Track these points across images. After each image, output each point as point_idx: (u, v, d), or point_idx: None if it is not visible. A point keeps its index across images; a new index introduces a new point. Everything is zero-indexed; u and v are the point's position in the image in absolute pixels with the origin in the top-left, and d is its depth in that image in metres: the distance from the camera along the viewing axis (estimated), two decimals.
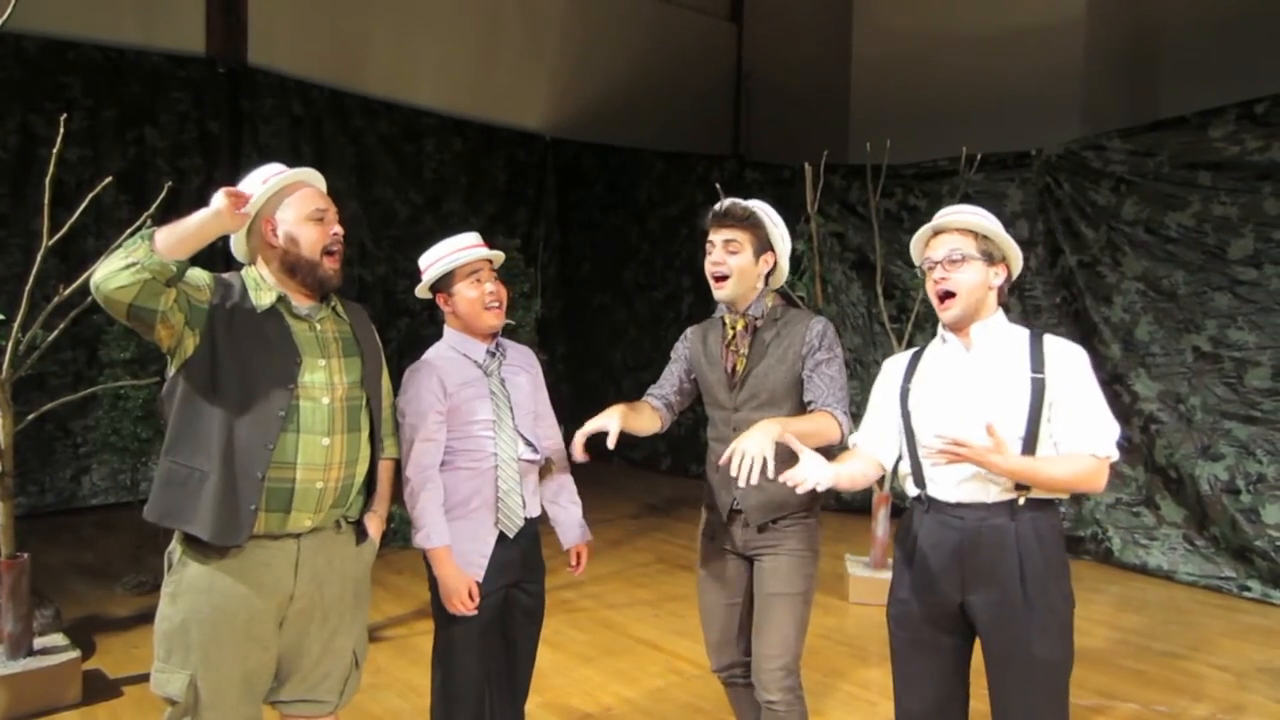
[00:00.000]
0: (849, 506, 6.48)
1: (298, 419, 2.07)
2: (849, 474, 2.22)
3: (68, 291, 3.41)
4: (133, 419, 4.65)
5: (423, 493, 2.40)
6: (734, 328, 2.54)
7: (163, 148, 6.88)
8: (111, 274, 1.89)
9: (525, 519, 2.54)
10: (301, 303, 2.17)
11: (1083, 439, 2.07)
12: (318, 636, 2.17)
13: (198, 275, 2.07)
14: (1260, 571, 5.04)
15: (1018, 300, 6.18)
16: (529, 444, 2.55)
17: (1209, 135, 5.30)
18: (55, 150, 3.32)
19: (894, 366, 2.37)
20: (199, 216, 1.93)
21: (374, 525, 2.30)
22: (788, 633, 2.45)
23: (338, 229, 2.21)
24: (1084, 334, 5.79)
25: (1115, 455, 2.10)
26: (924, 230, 2.26)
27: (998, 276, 2.17)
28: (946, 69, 8.24)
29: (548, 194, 9.44)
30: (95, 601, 4.54)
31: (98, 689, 3.59)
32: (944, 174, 6.34)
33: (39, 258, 3.37)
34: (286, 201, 2.18)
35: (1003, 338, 2.19)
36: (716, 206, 2.52)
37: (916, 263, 2.28)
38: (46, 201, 3.33)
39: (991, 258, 2.16)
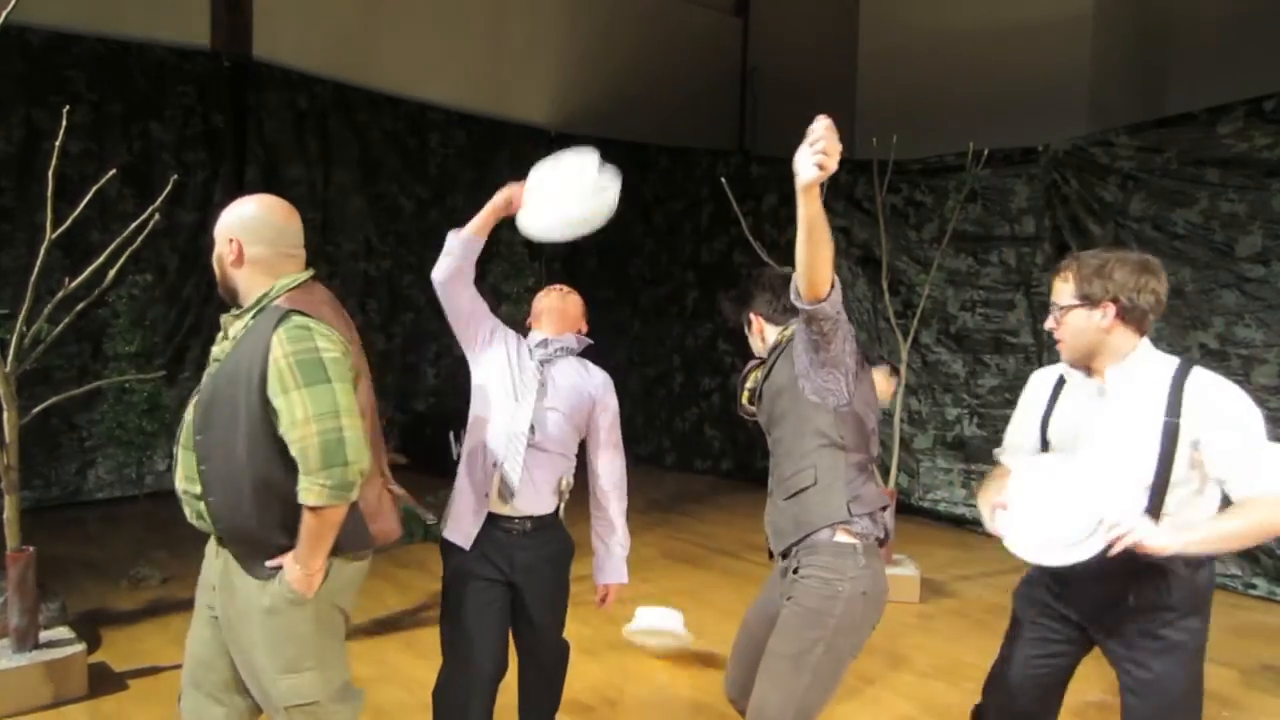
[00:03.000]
0: None
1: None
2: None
3: (73, 285, 3.41)
4: (138, 413, 4.64)
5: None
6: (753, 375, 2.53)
7: (167, 141, 6.86)
8: None
9: (524, 514, 2.57)
10: (226, 319, 2.23)
11: (1252, 481, 1.97)
12: (236, 650, 2.17)
13: None
14: (1266, 569, 5.03)
15: (1024, 297, 6.18)
16: (533, 428, 2.56)
17: (1217, 132, 5.28)
18: (58, 143, 3.31)
19: (1040, 387, 2.34)
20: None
21: (286, 565, 2.08)
22: (765, 699, 2.17)
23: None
24: None
25: None
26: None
27: (1105, 317, 2.08)
28: (953, 64, 8.22)
29: None
30: (100, 595, 4.54)
31: (103, 682, 3.58)
32: (950, 170, 6.32)
33: (42, 251, 3.36)
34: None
35: (1143, 376, 2.09)
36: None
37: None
38: (50, 194, 3.32)
39: (1092, 300, 2.08)
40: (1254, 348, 5.14)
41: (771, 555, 2.40)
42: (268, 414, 2.03)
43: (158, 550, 4.93)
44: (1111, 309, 2.07)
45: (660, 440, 8.31)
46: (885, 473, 5.12)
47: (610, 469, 2.73)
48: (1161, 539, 1.91)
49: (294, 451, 2.01)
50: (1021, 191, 6.16)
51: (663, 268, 8.60)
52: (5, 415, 3.33)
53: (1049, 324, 2.19)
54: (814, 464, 2.27)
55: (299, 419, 1.99)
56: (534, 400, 2.57)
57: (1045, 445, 2.27)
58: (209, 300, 6.81)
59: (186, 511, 2.18)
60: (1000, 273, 6.29)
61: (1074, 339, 2.13)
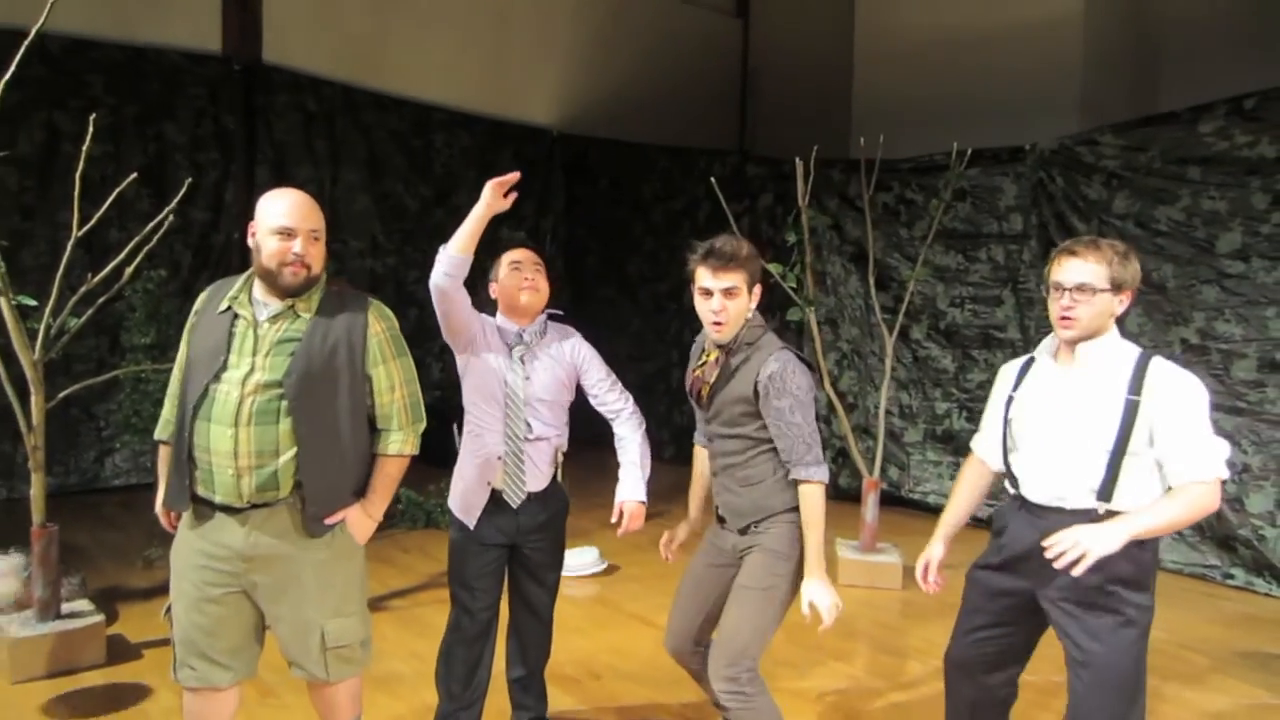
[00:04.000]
0: (844, 494, 6.63)
1: (208, 408, 2.29)
2: (965, 508, 2.57)
3: (95, 280, 3.62)
4: (153, 402, 4.84)
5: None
6: (709, 355, 2.63)
7: (181, 143, 7.09)
8: None
9: (526, 492, 2.80)
10: (270, 300, 2.36)
11: (1186, 468, 2.17)
12: (282, 607, 2.38)
13: (182, 354, 2.47)
14: (1244, 560, 5.16)
15: (1011, 293, 6.32)
16: (528, 425, 2.78)
17: (1199, 130, 5.40)
18: (85, 148, 3.52)
19: (1007, 373, 2.51)
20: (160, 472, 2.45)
21: (353, 517, 2.41)
22: (739, 625, 2.49)
23: (298, 247, 2.31)
24: None
25: (1224, 474, 2.19)
26: (1060, 250, 2.31)
27: (1122, 304, 2.26)
28: (949, 64, 8.35)
29: (555, 188, 9.60)
30: (117, 574, 4.76)
31: (120, 652, 3.81)
32: (940, 168, 6.44)
33: (68, 248, 3.57)
34: (267, 208, 2.36)
35: (1110, 357, 2.27)
36: (710, 248, 2.48)
37: (1048, 281, 2.32)
38: (76, 195, 3.53)
39: (1120, 286, 2.24)
40: (1233, 342, 5.27)
41: (723, 521, 2.67)
42: (363, 384, 2.38)
43: (170, 534, 5.13)
44: (1129, 296, 2.26)
45: (659, 433, 8.48)
46: (870, 462, 5.28)
47: (618, 402, 2.96)
48: (1110, 543, 2.08)
49: (384, 413, 2.44)
50: (1009, 190, 6.30)
51: (662, 265, 8.77)
52: (33, 400, 3.55)
53: (1065, 301, 2.23)
54: (770, 462, 2.55)
55: (395, 383, 2.45)
56: (524, 405, 2.79)
57: (1006, 424, 2.42)
58: None
59: (233, 484, 2.28)
60: (989, 269, 6.43)
61: (1093, 320, 2.23)
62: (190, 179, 4.17)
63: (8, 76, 3.27)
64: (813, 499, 2.47)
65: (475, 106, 8.93)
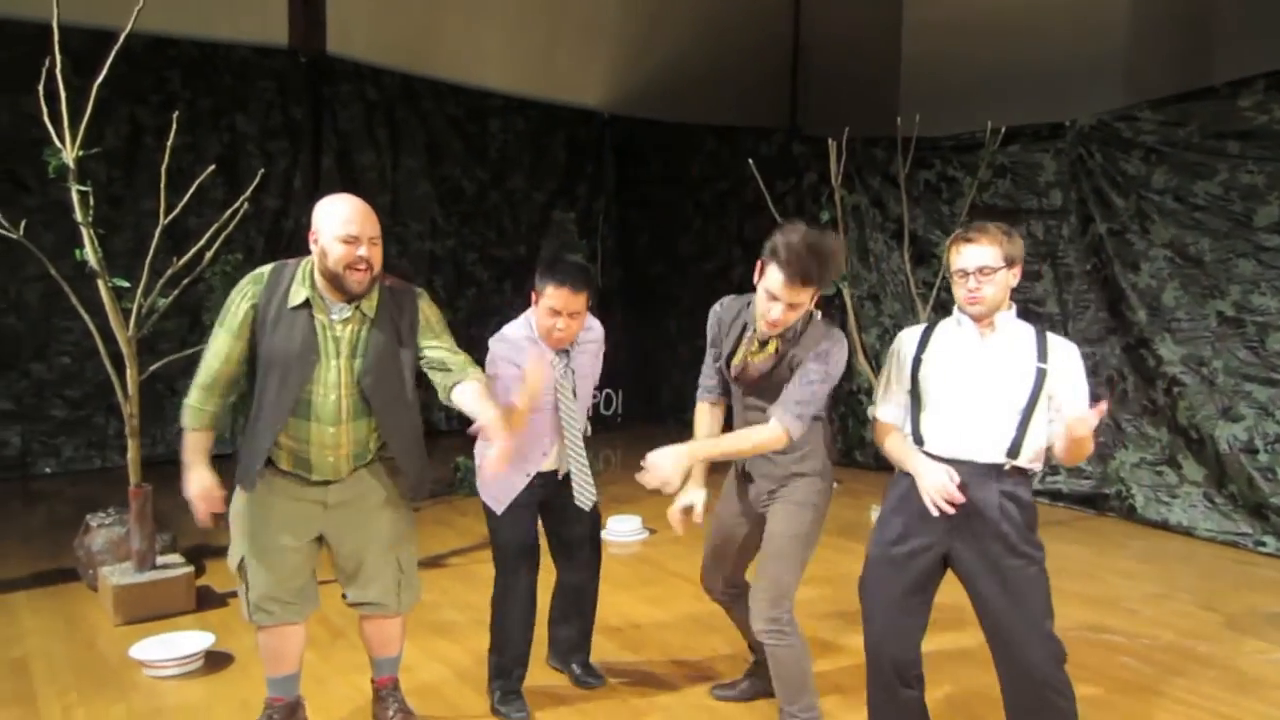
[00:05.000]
0: (884, 464, 6.80)
1: (309, 409, 2.61)
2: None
3: (180, 263, 4.01)
4: None
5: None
6: (770, 346, 2.69)
7: (252, 133, 7.53)
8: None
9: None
10: (334, 300, 2.63)
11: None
12: (361, 544, 2.76)
13: (228, 346, 2.66)
14: (1276, 528, 5.23)
15: (1050, 268, 6.41)
16: (588, 425, 3.18)
17: (1238, 104, 5.43)
18: (169, 143, 3.91)
19: (908, 341, 2.69)
20: (186, 458, 2.74)
21: (495, 427, 2.52)
22: (779, 573, 2.73)
23: (363, 252, 2.54)
24: (1112, 300, 6.01)
25: None
26: (954, 239, 2.52)
27: (1015, 278, 2.49)
28: (997, 39, 8.37)
29: (606, 170, 9.88)
30: (201, 534, 5.19)
31: (208, 600, 4.24)
32: (980, 146, 6.54)
33: (155, 235, 3.97)
34: (330, 216, 2.59)
35: (1014, 328, 2.53)
36: (792, 263, 2.46)
37: (948, 268, 2.53)
38: (163, 187, 3.92)
39: (1012, 262, 2.47)
40: (1269, 315, 5.31)
41: (748, 477, 2.91)
42: (415, 352, 2.72)
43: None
44: (1019, 270, 2.51)
45: None
46: None
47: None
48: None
49: (455, 362, 2.72)
50: (1049, 166, 6.37)
51: (710, 244, 8.99)
52: (128, 373, 3.96)
53: (971, 284, 2.45)
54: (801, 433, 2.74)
55: (453, 346, 2.78)
56: (573, 399, 3.09)
57: (915, 386, 2.60)
58: None
59: (331, 465, 2.65)
60: (1028, 245, 6.51)
61: (995, 295, 2.46)
62: (262, 169, 4.53)
63: (100, 78, 3.65)
64: (762, 434, 2.63)
65: (528, 92, 9.23)
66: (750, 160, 5.65)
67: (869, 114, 7.94)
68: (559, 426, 3.10)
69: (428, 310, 2.79)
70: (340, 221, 2.57)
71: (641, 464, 2.57)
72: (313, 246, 2.61)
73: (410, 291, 2.79)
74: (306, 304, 2.60)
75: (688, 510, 2.94)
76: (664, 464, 2.53)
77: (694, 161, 9.12)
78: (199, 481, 2.69)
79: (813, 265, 2.48)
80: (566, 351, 3.10)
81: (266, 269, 2.68)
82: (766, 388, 2.72)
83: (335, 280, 2.58)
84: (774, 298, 2.55)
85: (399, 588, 2.84)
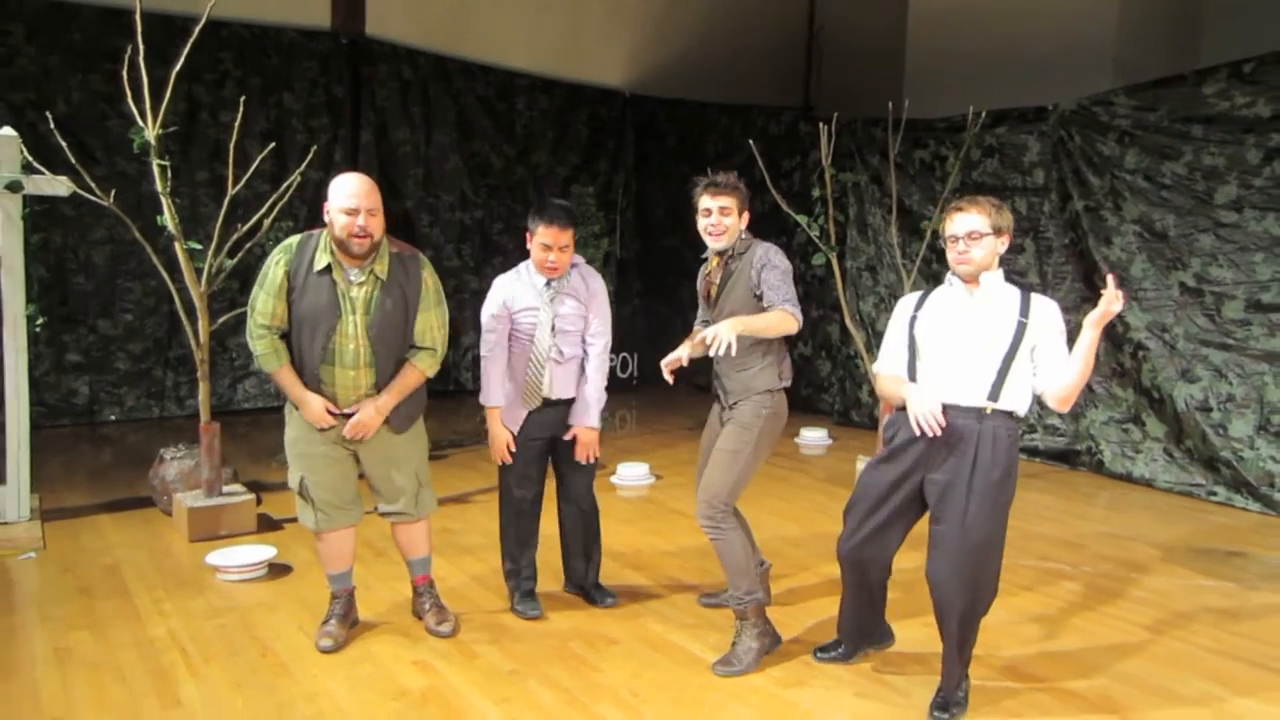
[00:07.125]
0: (876, 423, 7.35)
1: (334, 356, 3.19)
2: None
3: (243, 229, 4.64)
4: None
5: (488, 364, 3.55)
6: (712, 262, 3.44)
7: (298, 110, 8.14)
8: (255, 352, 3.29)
9: (548, 398, 3.64)
10: (350, 265, 3.18)
11: (1056, 371, 2.83)
12: (386, 460, 3.37)
13: (272, 305, 3.20)
14: (1225, 479, 5.74)
15: (1032, 241, 6.88)
16: (560, 351, 3.61)
17: (1203, 91, 5.86)
18: (236, 123, 4.56)
19: (906, 302, 3.14)
20: (292, 394, 3.26)
21: (368, 408, 3.24)
22: (711, 478, 3.28)
23: (362, 221, 3.06)
24: (1086, 271, 6.49)
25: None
26: (949, 208, 2.93)
27: (1003, 245, 2.87)
28: (996, 25, 8.76)
29: (626, 146, 10.40)
30: (257, 472, 5.88)
31: (267, 524, 4.91)
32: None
33: (225, 204, 4.62)
34: (336, 189, 3.14)
35: (1000, 288, 2.89)
36: (710, 180, 3.32)
37: (943, 234, 2.95)
38: (231, 164, 4.55)
39: (999, 230, 2.84)
40: (1225, 285, 5.78)
41: (718, 400, 3.47)
42: (414, 316, 3.27)
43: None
44: (1008, 238, 2.93)
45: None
46: None
47: (596, 336, 3.69)
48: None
49: (427, 339, 3.31)
50: (1034, 147, 6.81)
51: None
52: (200, 323, 4.60)
53: (961, 246, 2.83)
54: (761, 349, 3.32)
55: (440, 323, 3.33)
56: (550, 334, 3.58)
57: (912, 343, 3.06)
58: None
59: (353, 399, 3.24)
60: (1013, 220, 6.98)
61: (983, 259, 2.86)
62: (315, 148, 5.12)
63: (179, 66, 4.25)
64: (780, 318, 3.14)
65: (553, 71, 9.76)
66: (751, 141, 6.15)
67: (878, 95, 8.37)
68: (541, 357, 3.56)
69: (429, 278, 3.32)
70: (344, 195, 3.11)
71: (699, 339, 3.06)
72: (325, 217, 3.17)
73: (416, 258, 3.33)
74: (328, 269, 3.17)
75: (674, 361, 3.36)
76: (720, 329, 2.97)
77: (709, 139, 9.62)
78: (316, 402, 3.24)
79: (721, 176, 3.36)
80: (553, 285, 3.57)
81: (295, 239, 3.24)
82: (726, 303, 3.31)
83: (341, 245, 3.14)
84: (707, 211, 3.33)
85: (417, 497, 3.47)
